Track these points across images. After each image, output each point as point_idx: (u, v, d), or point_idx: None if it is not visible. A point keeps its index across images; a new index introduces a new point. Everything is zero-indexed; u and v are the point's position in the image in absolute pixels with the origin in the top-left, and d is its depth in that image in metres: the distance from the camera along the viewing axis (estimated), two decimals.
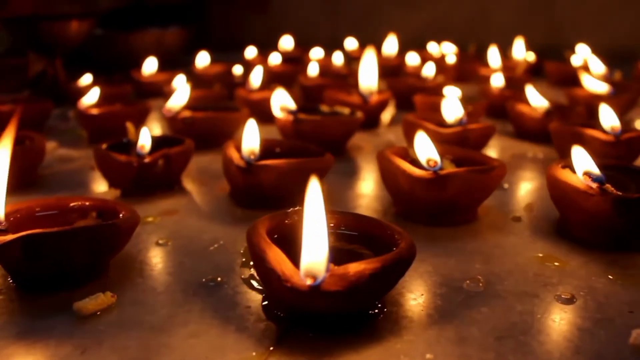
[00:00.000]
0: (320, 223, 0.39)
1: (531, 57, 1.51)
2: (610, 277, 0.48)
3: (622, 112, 1.01)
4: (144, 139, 0.66)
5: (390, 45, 1.51)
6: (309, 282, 0.37)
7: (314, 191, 0.40)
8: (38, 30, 1.16)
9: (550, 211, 0.61)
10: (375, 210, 0.63)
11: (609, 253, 0.52)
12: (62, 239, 0.44)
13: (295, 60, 1.44)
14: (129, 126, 0.69)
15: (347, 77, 1.24)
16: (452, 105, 0.78)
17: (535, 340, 0.40)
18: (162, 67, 1.31)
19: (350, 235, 0.46)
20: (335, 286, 0.37)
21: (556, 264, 0.51)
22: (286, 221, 0.46)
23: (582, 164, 0.55)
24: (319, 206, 0.40)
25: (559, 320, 0.42)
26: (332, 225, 0.47)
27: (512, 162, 0.80)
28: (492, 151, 0.85)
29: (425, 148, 0.58)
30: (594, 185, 0.52)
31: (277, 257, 0.39)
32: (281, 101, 0.80)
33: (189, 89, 0.87)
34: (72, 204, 0.53)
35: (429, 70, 1.18)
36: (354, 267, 0.38)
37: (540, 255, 0.52)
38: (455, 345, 0.39)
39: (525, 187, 0.70)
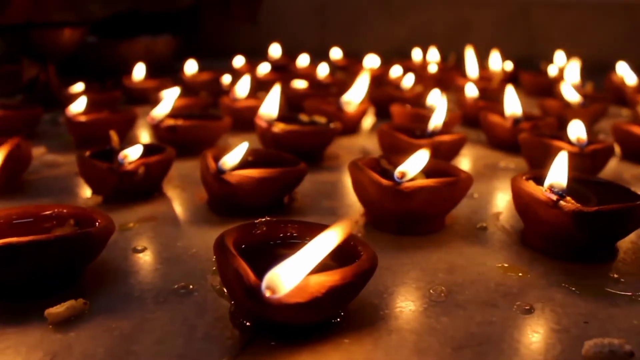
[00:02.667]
0: (317, 257, 0.38)
1: (509, 66, 1.51)
2: (569, 287, 0.48)
3: (592, 123, 1.01)
4: (131, 150, 0.65)
5: (373, 59, 1.51)
6: (268, 294, 0.36)
7: (334, 234, 0.39)
8: (31, 38, 1.15)
9: (515, 221, 0.61)
10: (346, 217, 0.62)
11: (569, 263, 0.52)
12: (36, 248, 0.43)
13: (282, 69, 1.44)
14: (112, 134, 0.68)
15: (331, 86, 1.23)
16: (436, 114, 0.78)
17: (493, 351, 0.39)
18: (151, 74, 1.30)
19: None
20: (296, 298, 0.37)
21: (519, 274, 0.50)
22: (254, 232, 0.46)
23: (557, 173, 0.55)
24: (328, 247, 0.39)
25: (517, 331, 0.42)
26: (295, 235, 0.47)
27: (484, 172, 0.80)
28: (465, 160, 0.85)
29: (411, 163, 0.58)
30: (554, 197, 0.52)
31: (240, 268, 0.38)
32: (265, 108, 0.80)
33: (175, 97, 0.86)
34: (50, 212, 0.52)
35: (408, 81, 1.17)
36: (314, 280, 0.37)
37: (503, 265, 0.52)
38: (414, 355, 0.39)
39: (494, 197, 0.70)
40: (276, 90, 0.81)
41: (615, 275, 0.50)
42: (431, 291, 0.47)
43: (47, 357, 0.38)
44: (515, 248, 0.56)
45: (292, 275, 0.37)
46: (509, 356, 0.39)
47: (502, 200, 0.69)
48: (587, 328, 0.42)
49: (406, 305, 0.45)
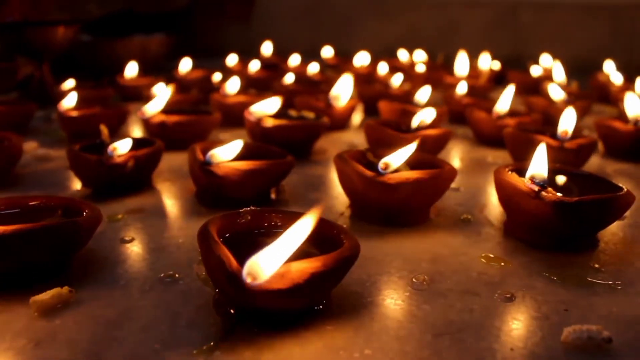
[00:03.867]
0: (294, 243, 0.38)
1: (497, 65, 1.51)
2: (549, 276, 0.48)
3: (577, 119, 1.00)
4: (120, 143, 0.64)
5: (362, 58, 1.50)
6: (249, 280, 0.36)
7: (308, 220, 0.39)
8: (26, 36, 1.14)
9: (499, 213, 0.61)
10: (333, 210, 0.62)
11: (550, 253, 0.52)
12: (22, 237, 0.43)
13: (274, 67, 1.43)
14: (102, 128, 0.68)
15: (321, 84, 1.23)
16: (424, 113, 0.78)
17: (471, 338, 0.39)
18: (145, 72, 1.29)
19: None
20: (277, 284, 0.36)
21: (501, 264, 0.50)
22: (238, 220, 0.45)
23: (537, 165, 0.55)
24: (304, 232, 0.38)
25: (497, 318, 0.42)
26: (280, 224, 0.46)
27: (470, 166, 0.79)
28: (451, 155, 0.85)
29: (397, 155, 0.57)
30: (536, 188, 0.51)
31: (222, 255, 0.38)
32: (259, 107, 0.80)
33: (168, 93, 0.86)
34: (37, 202, 0.52)
35: (397, 79, 1.17)
36: (296, 266, 0.37)
37: (486, 255, 0.52)
38: (394, 342, 0.38)
39: (479, 190, 0.69)
40: (277, 99, 0.81)
41: (596, 265, 0.50)
42: (413, 280, 0.47)
43: (30, 343, 0.38)
44: (498, 239, 0.55)
45: (272, 262, 0.36)
46: (488, 342, 0.39)
47: (486, 193, 0.68)
48: (567, 315, 0.42)
49: (388, 293, 0.45)
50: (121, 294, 0.44)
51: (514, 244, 0.54)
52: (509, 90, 0.90)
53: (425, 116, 0.77)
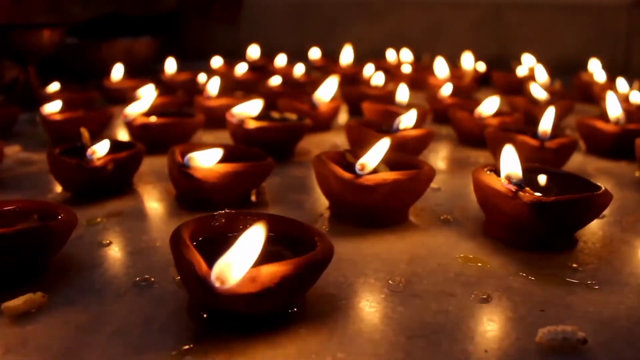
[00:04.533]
0: (256, 245, 0.37)
1: (481, 67, 1.51)
2: (527, 276, 0.47)
3: (559, 119, 1.00)
4: (98, 146, 0.64)
5: (347, 55, 1.50)
6: (217, 284, 0.35)
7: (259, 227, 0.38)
8: (11, 39, 1.13)
9: (478, 213, 0.60)
10: (312, 211, 0.61)
11: (529, 253, 0.51)
12: None
13: (260, 69, 1.42)
14: (83, 131, 0.67)
15: (307, 85, 1.22)
16: (407, 116, 0.77)
17: (446, 340, 0.38)
18: (132, 75, 1.28)
19: (274, 237, 0.45)
20: (247, 288, 0.35)
21: (478, 264, 0.50)
22: (212, 224, 0.44)
23: (508, 165, 0.54)
24: (261, 236, 0.38)
25: (472, 320, 0.41)
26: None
27: (452, 166, 0.79)
28: (434, 155, 0.84)
29: (373, 154, 0.57)
30: (513, 188, 0.51)
31: (193, 259, 0.37)
32: (241, 108, 0.79)
33: (152, 96, 0.85)
34: (13, 207, 0.51)
35: (379, 79, 1.17)
36: (266, 270, 0.36)
37: (464, 255, 0.51)
38: (368, 345, 0.38)
39: (459, 190, 0.69)
40: (258, 101, 0.80)
41: (574, 265, 0.50)
42: (390, 282, 0.46)
43: (0, 349, 0.37)
44: (476, 239, 0.55)
45: (240, 265, 0.36)
46: (463, 344, 0.38)
47: (467, 193, 0.67)
48: (543, 316, 0.42)
49: (364, 295, 0.44)
50: (95, 298, 0.43)
51: (493, 244, 0.53)
52: (494, 99, 0.89)
53: (407, 120, 0.76)
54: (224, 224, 0.45)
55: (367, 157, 0.56)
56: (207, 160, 0.59)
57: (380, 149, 0.57)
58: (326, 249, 0.40)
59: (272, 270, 0.36)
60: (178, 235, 0.40)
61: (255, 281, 0.36)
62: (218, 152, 0.61)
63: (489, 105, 0.89)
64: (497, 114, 0.91)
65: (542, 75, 1.26)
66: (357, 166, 0.55)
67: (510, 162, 0.54)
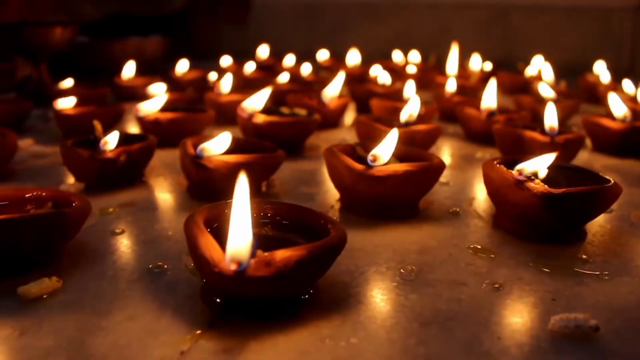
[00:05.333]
0: (244, 213, 0.37)
1: (488, 66, 1.50)
2: (537, 267, 0.47)
3: (565, 118, 1.00)
4: (110, 137, 0.63)
5: (353, 56, 1.50)
6: (233, 267, 0.35)
7: (241, 185, 0.38)
8: (24, 37, 1.13)
9: (488, 206, 0.60)
10: (324, 202, 0.61)
11: (538, 245, 0.51)
12: (11, 226, 0.42)
13: (269, 68, 1.42)
14: (96, 124, 0.67)
15: (314, 84, 1.22)
16: (409, 103, 0.77)
17: (459, 326, 0.38)
18: (142, 72, 1.28)
19: (287, 224, 0.44)
20: (262, 272, 0.35)
21: (490, 255, 0.49)
22: (226, 211, 0.44)
23: (532, 164, 0.53)
24: (245, 199, 0.37)
25: (484, 307, 0.41)
26: (269, 215, 0.45)
27: (460, 162, 0.79)
28: (442, 151, 0.84)
29: (384, 146, 0.56)
30: (523, 178, 0.50)
31: (208, 243, 0.37)
32: (250, 102, 0.79)
33: (165, 96, 0.85)
34: (29, 195, 0.51)
35: (386, 78, 1.16)
36: (281, 254, 0.36)
37: (474, 246, 0.51)
38: (381, 330, 0.37)
39: (468, 185, 0.68)
40: (266, 90, 0.80)
41: (584, 256, 0.49)
42: (402, 270, 0.46)
43: (15, 332, 0.37)
44: (486, 231, 0.54)
45: (245, 244, 0.35)
46: (475, 332, 0.38)
47: (475, 188, 0.67)
48: (555, 305, 0.41)
49: (376, 283, 0.44)
50: (109, 284, 0.43)
51: (502, 236, 0.53)
52: (492, 85, 0.89)
53: (412, 109, 0.75)
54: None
55: (379, 149, 0.55)
56: (218, 146, 0.59)
57: (391, 141, 0.56)
58: (340, 235, 0.40)
59: (287, 255, 0.36)
60: (192, 221, 0.40)
61: (270, 265, 0.35)
62: (227, 137, 0.60)
63: (490, 97, 0.88)
64: (505, 111, 0.91)
65: (549, 74, 1.25)
66: (370, 157, 0.55)
67: (537, 161, 0.54)
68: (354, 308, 0.40)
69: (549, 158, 0.54)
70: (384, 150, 0.56)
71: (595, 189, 0.50)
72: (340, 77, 0.95)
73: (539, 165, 0.53)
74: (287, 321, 0.38)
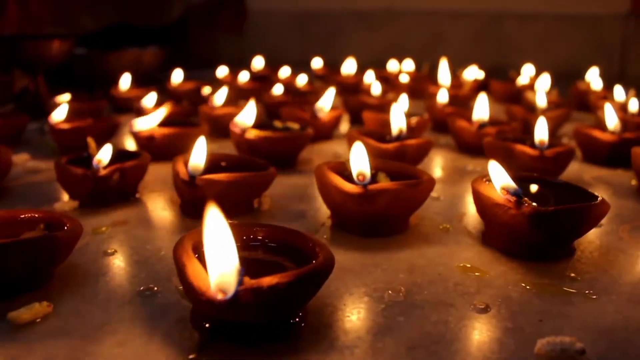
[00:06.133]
0: (225, 242, 0.36)
1: (481, 75, 1.50)
2: (525, 286, 0.47)
3: (556, 127, 1.00)
4: (102, 154, 0.63)
5: (349, 65, 1.49)
6: (220, 296, 0.34)
7: (212, 214, 0.38)
8: (21, 49, 1.13)
9: (478, 222, 0.60)
10: (315, 220, 0.61)
11: (527, 262, 0.51)
12: (1, 251, 0.41)
13: (264, 79, 1.42)
14: (90, 141, 0.66)
15: (309, 94, 1.22)
16: (398, 118, 0.76)
17: (446, 350, 0.38)
18: (139, 84, 1.28)
19: (277, 247, 0.44)
20: (249, 299, 0.35)
21: (477, 274, 0.49)
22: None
23: (499, 178, 0.53)
24: (219, 227, 0.37)
25: (471, 330, 0.40)
26: (259, 237, 0.45)
27: (451, 175, 0.78)
28: (433, 164, 0.84)
29: (359, 162, 0.56)
30: (512, 198, 0.50)
31: (195, 271, 0.37)
32: (242, 116, 0.78)
33: (162, 113, 0.85)
34: (22, 216, 0.50)
35: (377, 89, 1.16)
36: (267, 281, 0.35)
37: (463, 265, 0.50)
38: (368, 355, 0.37)
39: (459, 199, 0.68)
40: (252, 103, 0.80)
41: (572, 274, 0.49)
42: (390, 292, 0.45)
43: (6, 359, 0.36)
44: (476, 248, 0.54)
45: (231, 273, 0.35)
46: (462, 356, 0.37)
47: (466, 202, 0.67)
48: (541, 326, 0.41)
49: (365, 305, 0.43)
50: (99, 308, 0.43)
51: (492, 254, 0.53)
52: (482, 98, 0.89)
53: (401, 123, 0.75)
54: None
55: (359, 166, 0.55)
56: (199, 158, 0.59)
57: (361, 155, 0.56)
58: (327, 260, 0.40)
59: (274, 282, 0.35)
60: (181, 247, 0.39)
61: (257, 292, 0.35)
62: (202, 143, 0.61)
63: (481, 110, 0.88)
64: (496, 122, 0.91)
65: (544, 83, 1.25)
66: (358, 177, 0.54)
67: (499, 175, 0.53)
68: (342, 331, 0.40)
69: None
70: (363, 164, 0.55)
71: (583, 206, 0.50)
72: (330, 92, 0.95)
73: (505, 178, 0.53)
74: (275, 346, 0.38)
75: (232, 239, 0.37)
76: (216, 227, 0.37)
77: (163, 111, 0.85)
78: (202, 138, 0.61)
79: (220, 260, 0.36)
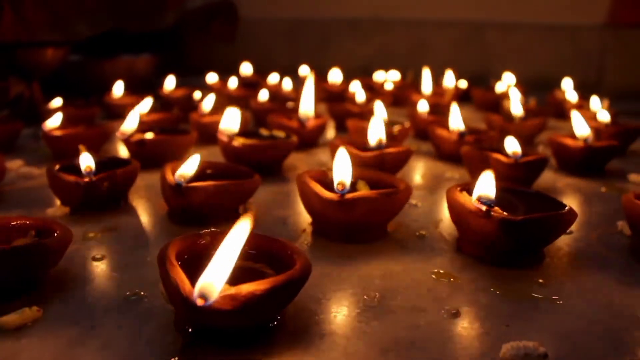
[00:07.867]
0: (232, 255, 0.37)
1: (463, 84, 1.51)
2: (495, 291, 0.48)
3: (533, 135, 1.01)
4: (89, 161, 0.64)
5: (335, 74, 1.50)
6: (199, 302, 0.35)
7: (241, 227, 0.39)
8: (16, 56, 1.13)
9: (453, 229, 0.60)
10: (296, 226, 0.61)
11: (498, 269, 0.52)
12: None
13: (253, 85, 1.43)
14: (81, 148, 0.67)
15: (294, 100, 1.22)
16: (376, 128, 0.77)
17: (416, 354, 0.39)
18: (133, 91, 1.28)
19: (257, 254, 0.45)
20: (227, 305, 0.36)
21: (450, 279, 0.50)
22: (198, 242, 0.45)
23: (484, 187, 0.54)
24: (239, 241, 0.38)
25: (441, 334, 0.41)
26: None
27: (429, 182, 0.79)
28: (413, 171, 0.84)
29: (341, 170, 0.57)
30: (483, 207, 0.51)
31: (177, 277, 0.37)
32: (225, 124, 0.79)
33: (142, 111, 0.85)
34: (13, 223, 0.51)
35: (361, 97, 1.17)
36: (245, 288, 0.36)
37: (436, 271, 0.51)
38: (342, 358, 0.38)
39: (436, 206, 0.69)
40: (233, 110, 0.81)
41: (540, 280, 0.50)
42: (365, 297, 0.46)
43: None
44: (450, 255, 0.55)
45: (218, 281, 0.36)
46: (431, 359, 0.38)
47: (442, 210, 0.68)
48: (508, 331, 0.42)
49: (340, 310, 0.44)
50: (86, 312, 0.43)
51: (464, 260, 0.54)
52: (455, 109, 0.90)
53: (380, 133, 0.76)
54: (209, 242, 0.45)
55: (340, 175, 0.56)
56: (189, 169, 0.60)
57: (344, 163, 0.57)
58: (303, 267, 0.40)
59: (252, 289, 0.36)
60: (164, 254, 0.40)
61: (235, 299, 0.36)
62: (196, 159, 0.61)
63: (456, 120, 0.89)
64: (474, 131, 0.92)
65: (516, 94, 1.27)
66: (337, 186, 0.55)
67: (486, 185, 0.54)
68: (317, 335, 0.41)
69: (489, 179, 0.55)
70: (344, 174, 0.56)
71: (551, 215, 0.51)
72: (309, 90, 0.94)
73: (489, 189, 0.54)
74: (255, 349, 0.39)
75: (239, 254, 0.38)
76: (238, 239, 0.38)
77: (142, 110, 0.85)
78: (197, 155, 0.62)
79: (216, 269, 0.36)
